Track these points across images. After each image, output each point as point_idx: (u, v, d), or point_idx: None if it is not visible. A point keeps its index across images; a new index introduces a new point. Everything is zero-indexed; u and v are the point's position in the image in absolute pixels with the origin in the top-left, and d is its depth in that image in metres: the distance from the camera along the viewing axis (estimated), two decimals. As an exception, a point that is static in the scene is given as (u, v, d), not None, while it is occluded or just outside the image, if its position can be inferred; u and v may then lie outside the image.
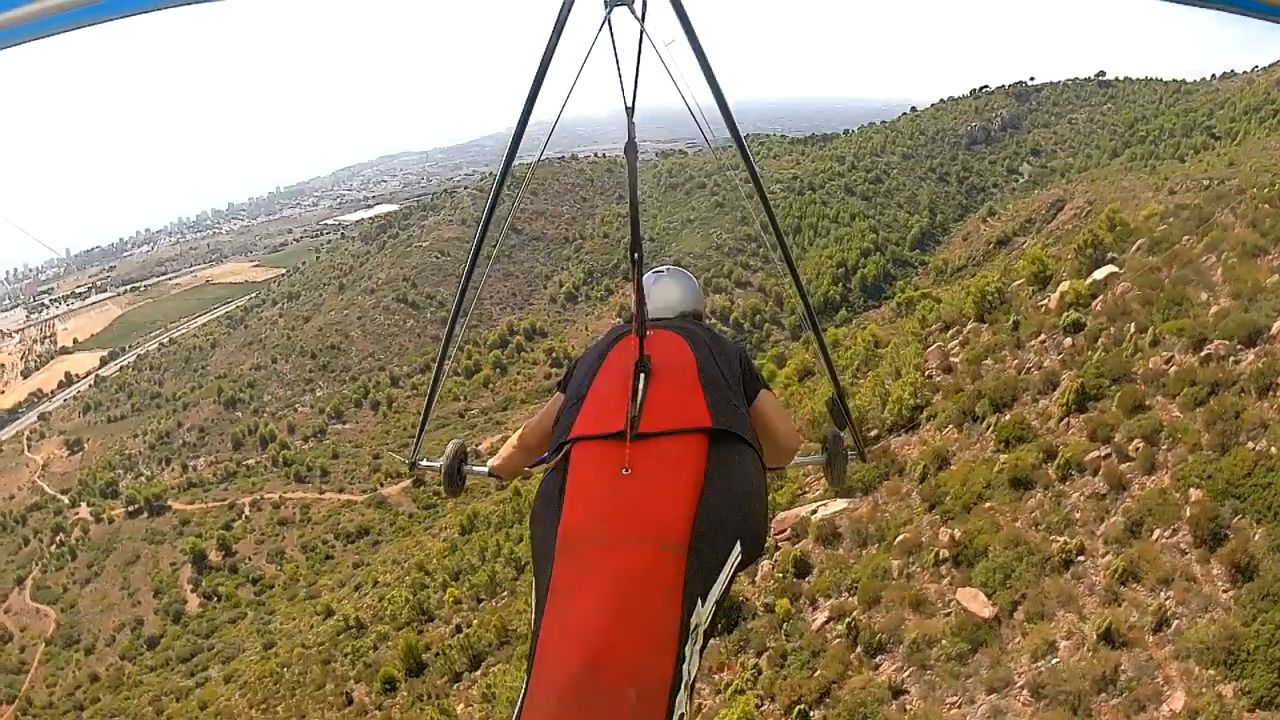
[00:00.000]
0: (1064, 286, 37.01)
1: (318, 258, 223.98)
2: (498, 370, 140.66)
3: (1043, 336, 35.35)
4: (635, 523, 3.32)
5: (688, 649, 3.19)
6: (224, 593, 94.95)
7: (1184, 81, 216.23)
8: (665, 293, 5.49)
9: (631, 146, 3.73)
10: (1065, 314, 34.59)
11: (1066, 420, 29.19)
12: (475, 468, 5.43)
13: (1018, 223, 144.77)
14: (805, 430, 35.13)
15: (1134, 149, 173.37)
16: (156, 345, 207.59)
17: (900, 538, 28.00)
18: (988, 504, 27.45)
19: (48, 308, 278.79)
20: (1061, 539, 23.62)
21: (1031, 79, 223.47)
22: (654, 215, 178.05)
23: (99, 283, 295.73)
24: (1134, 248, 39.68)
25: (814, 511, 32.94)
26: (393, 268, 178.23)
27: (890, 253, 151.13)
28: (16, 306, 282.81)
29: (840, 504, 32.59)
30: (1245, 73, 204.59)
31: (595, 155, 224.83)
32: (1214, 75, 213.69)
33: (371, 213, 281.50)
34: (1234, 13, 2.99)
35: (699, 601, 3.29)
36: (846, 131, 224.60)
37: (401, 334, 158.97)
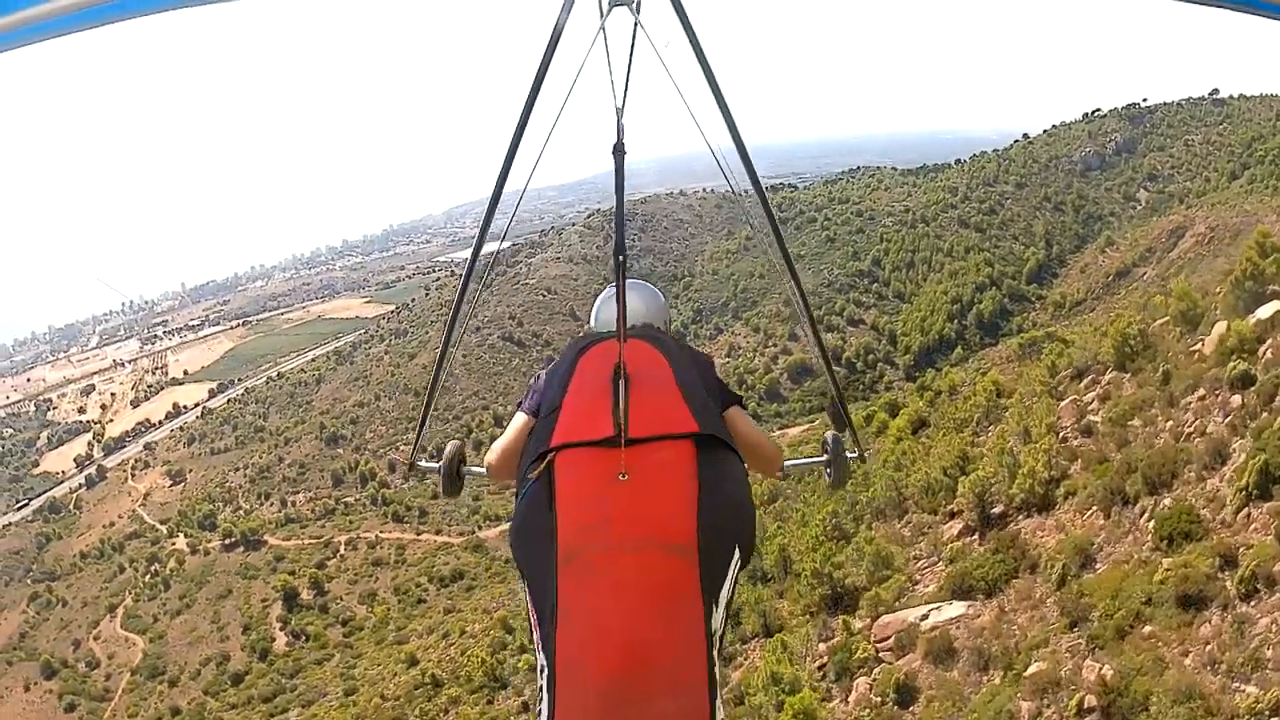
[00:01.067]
0: (1220, 328, 30.89)
1: (426, 294, 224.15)
2: None
3: (1201, 392, 28.63)
4: (641, 527, 3.30)
5: (714, 654, 3.22)
6: (312, 632, 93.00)
7: None
8: (633, 303, 5.13)
9: (619, 149, 3.77)
10: (1230, 365, 27.79)
11: (1246, 511, 21.71)
12: (474, 468, 5.33)
13: (1137, 252, 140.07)
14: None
15: (1254, 170, 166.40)
16: (264, 379, 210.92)
17: (1032, 668, 20.54)
18: (1148, 628, 19.80)
19: (161, 339, 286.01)
20: (1249, 689, 16.18)
21: (1144, 100, 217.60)
22: (765, 250, 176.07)
23: (212, 316, 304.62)
24: None
25: (924, 617, 26.84)
26: (499, 305, 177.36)
27: (1007, 287, 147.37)
28: (131, 337, 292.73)
29: (957, 609, 26.18)
30: None
31: (704, 190, 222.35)
32: None
33: (484, 250, 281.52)
34: (1242, 11, 3.13)
35: (714, 606, 3.29)
36: (958, 161, 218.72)
37: (506, 373, 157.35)
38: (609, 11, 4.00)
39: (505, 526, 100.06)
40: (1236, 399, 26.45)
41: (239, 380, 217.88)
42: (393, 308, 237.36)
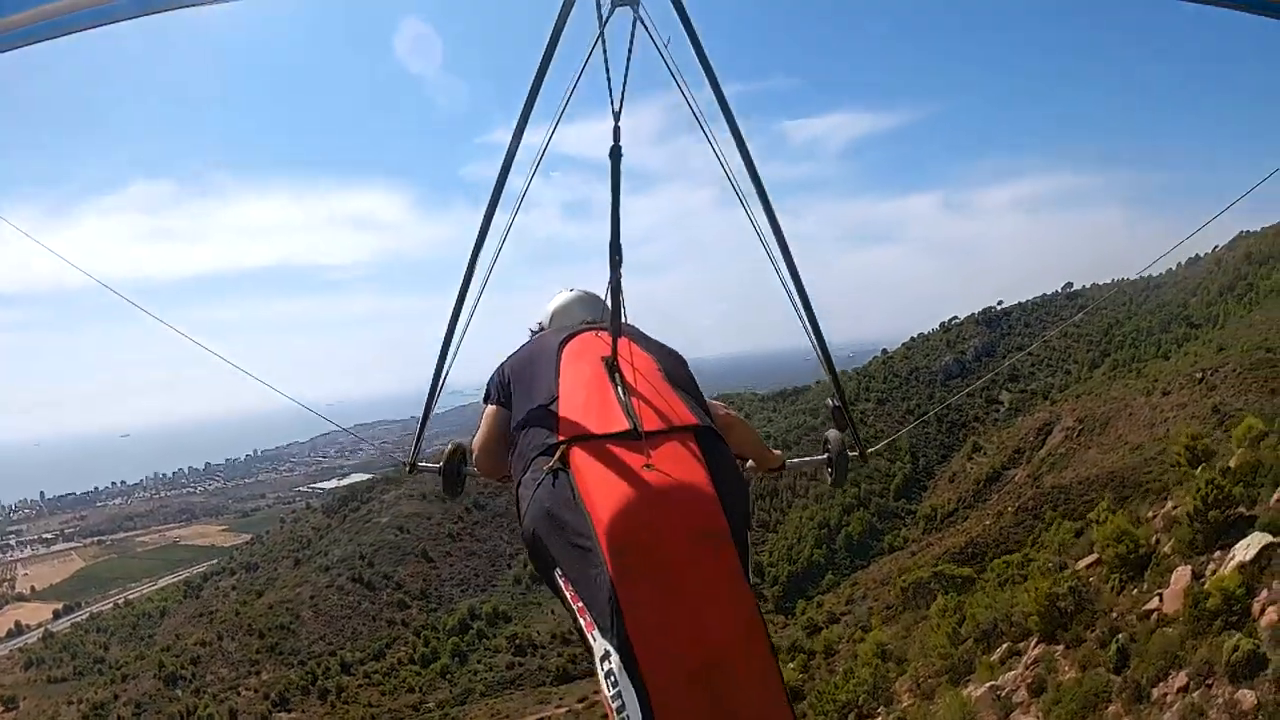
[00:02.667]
0: (1182, 574, 23.90)
1: (281, 527, 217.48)
2: (456, 659, 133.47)
3: (1183, 679, 19.92)
4: (685, 518, 3.49)
5: (767, 628, 3.54)
6: None
7: (1151, 277, 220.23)
8: (596, 303, 5.43)
9: (616, 151, 3.91)
10: (1223, 638, 19.28)
11: None
12: (474, 469, 5.23)
13: (1005, 454, 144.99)
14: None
15: (1114, 356, 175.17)
16: (111, 604, 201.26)
17: None
18: None
19: (13, 549, 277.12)
20: None
21: (1000, 303, 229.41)
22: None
23: (67, 530, 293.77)
24: (1277, 494, 25.57)
25: None
26: (350, 544, 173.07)
27: (875, 505, 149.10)
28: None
29: None
30: (1209, 253, 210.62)
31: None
32: (1179, 264, 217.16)
33: (345, 481, 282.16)
34: (1243, 10, 3.37)
35: (750, 585, 3.59)
36: (818, 382, 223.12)
37: (355, 616, 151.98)
38: (611, 13, 4.04)
39: None
40: (1247, 696, 17.77)
41: (85, 603, 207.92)
42: (248, 538, 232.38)
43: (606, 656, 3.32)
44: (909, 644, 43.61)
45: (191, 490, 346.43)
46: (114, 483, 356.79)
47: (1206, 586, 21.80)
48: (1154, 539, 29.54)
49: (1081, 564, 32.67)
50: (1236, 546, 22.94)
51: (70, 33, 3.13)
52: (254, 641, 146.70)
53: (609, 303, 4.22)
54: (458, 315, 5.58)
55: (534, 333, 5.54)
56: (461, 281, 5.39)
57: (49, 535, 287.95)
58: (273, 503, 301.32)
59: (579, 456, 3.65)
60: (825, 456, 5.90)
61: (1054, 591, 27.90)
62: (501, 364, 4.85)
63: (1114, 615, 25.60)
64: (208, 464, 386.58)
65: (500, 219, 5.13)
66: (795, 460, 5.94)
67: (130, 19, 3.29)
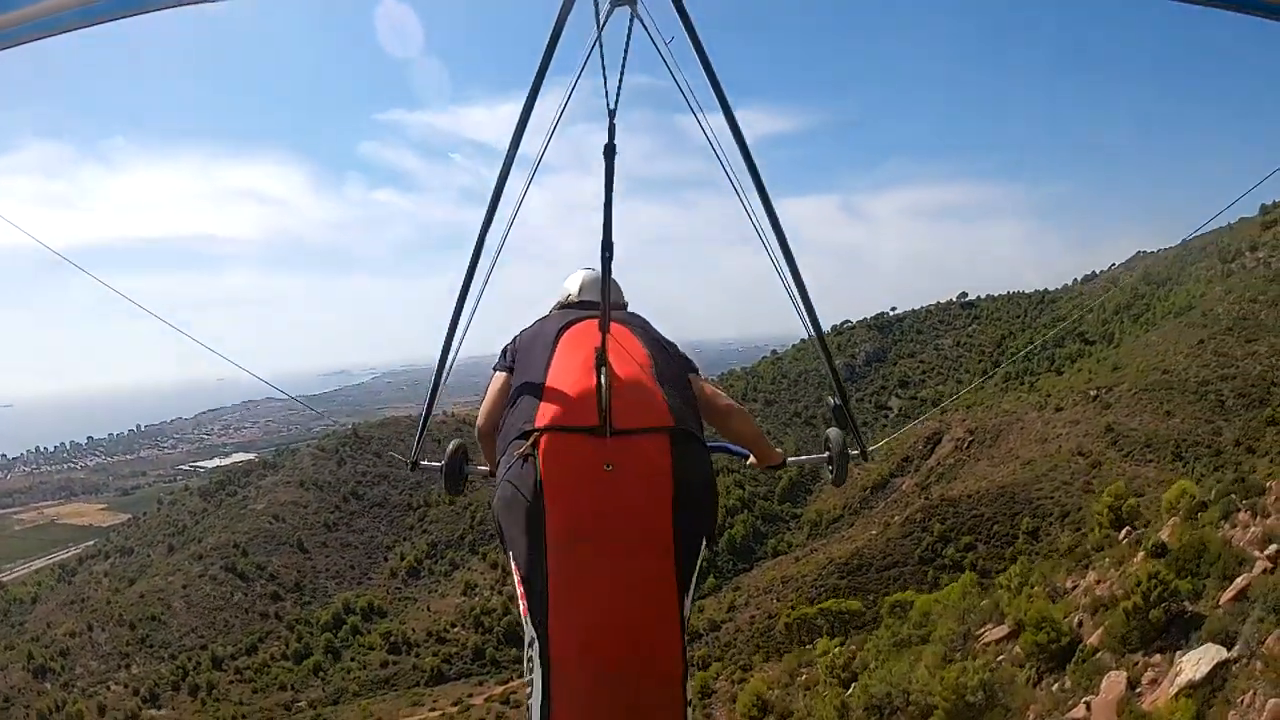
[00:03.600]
0: (1115, 681, 21.45)
1: (158, 509, 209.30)
2: (330, 655, 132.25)
3: None
4: (628, 521, 3.69)
5: (685, 638, 3.76)
6: None
7: (1047, 291, 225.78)
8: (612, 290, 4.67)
9: (610, 149, 3.83)
10: None
11: None
12: (477, 466, 5.48)
13: (893, 462, 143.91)
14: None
15: (1007, 367, 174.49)
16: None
17: None
18: None
19: None
20: None
21: (893, 309, 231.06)
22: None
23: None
24: (1227, 593, 22.29)
25: None
26: (224, 531, 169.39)
27: (759, 508, 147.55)
28: None
29: None
30: (1105, 271, 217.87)
31: (445, 415, 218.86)
32: (1076, 280, 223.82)
33: (228, 461, 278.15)
34: (1236, 11, 3.41)
35: (685, 596, 3.77)
36: (727, 373, 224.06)
37: (227, 608, 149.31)
38: (610, 11, 4.14)
39: None
40: None
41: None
42: (127, 518, 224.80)
43: (532, 643, 3.65)
44: (791, 698, 43.06)
45: (73, 465, 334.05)
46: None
47: (1148, 708, 19.25)
48: (1076, 621, 27.69)
49: (990, 634, 31.35)
50: (1184, 660, 19.88)
51: (64, 31, 3.18)
52: (124, 633, 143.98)
53: (606, 293, 3.93)
54: (458, 316, 5.56)
55: (559, 306, 5.52)
56: (462, 281, 5.39)
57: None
58: (154, 481, 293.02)
59: (547, 445, 3.78)
60: (826, 455, 5.96)
61: (961, 682, 25.04)
62: (516, 334, 4.98)
63: (1031, 718, 23.28)
64: (90, 438, 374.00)
65: (500, 216, 5.15)
66: (795, 458, 6.09)
67: (124, 18, 3.34)
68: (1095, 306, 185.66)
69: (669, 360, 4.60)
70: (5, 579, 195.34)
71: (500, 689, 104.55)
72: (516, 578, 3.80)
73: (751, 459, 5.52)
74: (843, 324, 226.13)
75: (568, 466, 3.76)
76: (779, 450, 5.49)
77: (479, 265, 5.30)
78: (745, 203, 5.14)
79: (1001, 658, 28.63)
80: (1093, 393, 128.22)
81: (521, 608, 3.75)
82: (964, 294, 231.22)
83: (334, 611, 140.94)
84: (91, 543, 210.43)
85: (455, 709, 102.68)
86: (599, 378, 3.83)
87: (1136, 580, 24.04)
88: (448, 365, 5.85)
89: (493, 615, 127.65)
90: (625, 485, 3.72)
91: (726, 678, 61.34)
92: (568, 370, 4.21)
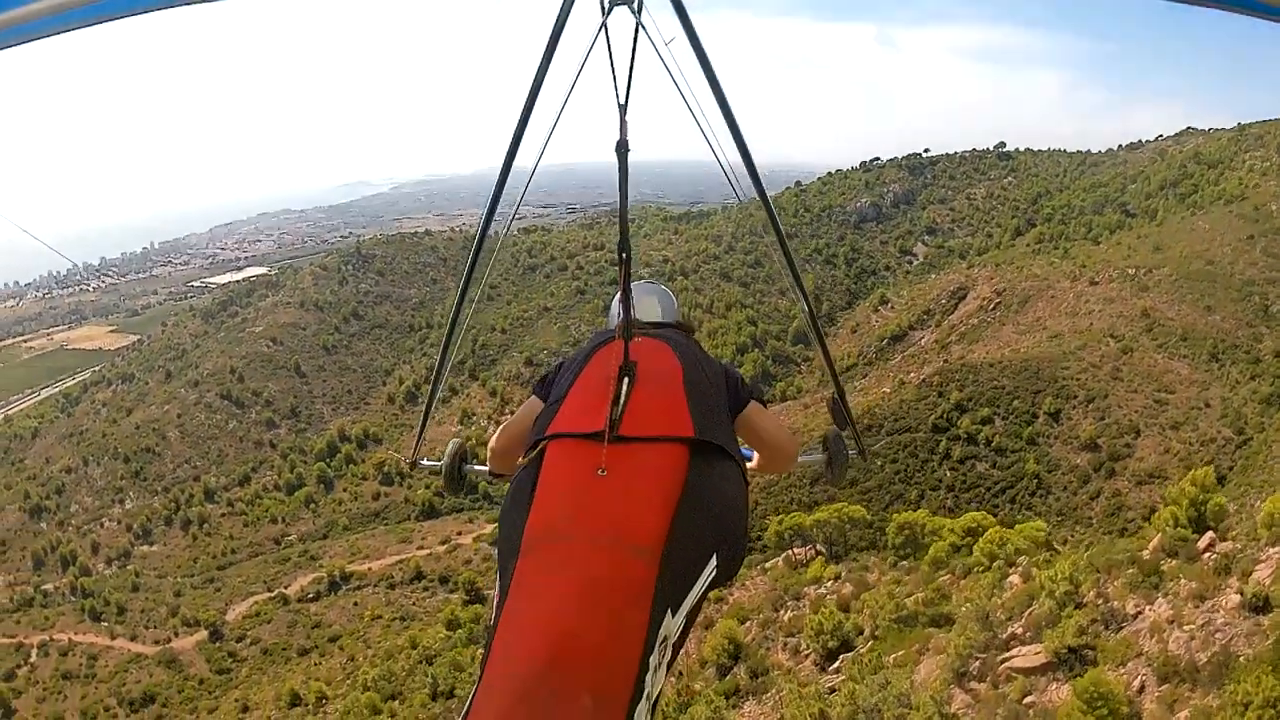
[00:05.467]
0: None
1: (163, 330, 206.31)
2: (322, 486, 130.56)
3: None
4: (605, 523, 3.33)
5: (653, 659, 3.19)
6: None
7: (1089, 152, 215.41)
8: (649, 302, 5.33)
9: (622, 145, 3.77)
10: None
11: None
12: (476, 467, 5.38)
13: (914, 314, 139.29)
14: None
15: (1040, 228, 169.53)
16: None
17: None
18: None
19: None
20: None
21: (926, 150, 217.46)
22: (508, 301, 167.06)
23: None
24: None
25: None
26: (221, 356, 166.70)
27: (770, 348, 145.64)
28: None
29: None
30: (1152, 142, 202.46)
31: (451, 230, 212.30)
32: (1120, 146, 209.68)
33: (241, 275, 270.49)
34: (1235, 12, 2.94)
35: (669, 612, 3.31)
36: (725, 208, 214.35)
37: (222, 437, 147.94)
38: (610, 10, 3.97)
39: (203, 635, 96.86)
40: None
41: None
42: (135, 339, 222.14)
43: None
44: (769, 648, 37.32)
45: (85, 288, 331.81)
46: (5, 283, 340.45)
47: None
48: (1137, 684, 19.65)
49: (1019, 658, 23.69)
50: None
51: (67, 30, 2.86)
52: (119, 466, 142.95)
53: (622, 300, 3.89)
54: (458, 314, 5.34)
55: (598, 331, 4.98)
56: (462, 280, 5.03)
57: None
58: (164, 299, 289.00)
59: (551, 453, 3.62)
60: (825, 455, 5.47)
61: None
62: (562, 360, 4.66)
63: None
64: (103, 258, 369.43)
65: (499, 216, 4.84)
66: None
67: (127, 16, 2.99)
68: (1140, 177, 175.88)
69: (711, 378, 4.22)
70: (11, 411, 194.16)
71: (490, 527, 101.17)
72: (495, 588, 3.46)
73: (753, 463, 4.86)
74: (872, 160, 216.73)
75: (562, 470, 3.50)
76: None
77: (478, 267, 5.06)
78: (745, 204, 4.87)
79: (1031, 700, 21.54)
80: (1131, 271, 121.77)
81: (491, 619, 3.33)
82: (1001, 143, 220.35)
83: (329, 439, 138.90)
84: (96, 368, 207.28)
85: (443, 548, 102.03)
86: (619, 385, 3.68)
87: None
88: (447, 366, 5.71)
89: (488, 447, 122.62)
90: (613, 489, 3.36)
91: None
92: (590, 382, 4.01)
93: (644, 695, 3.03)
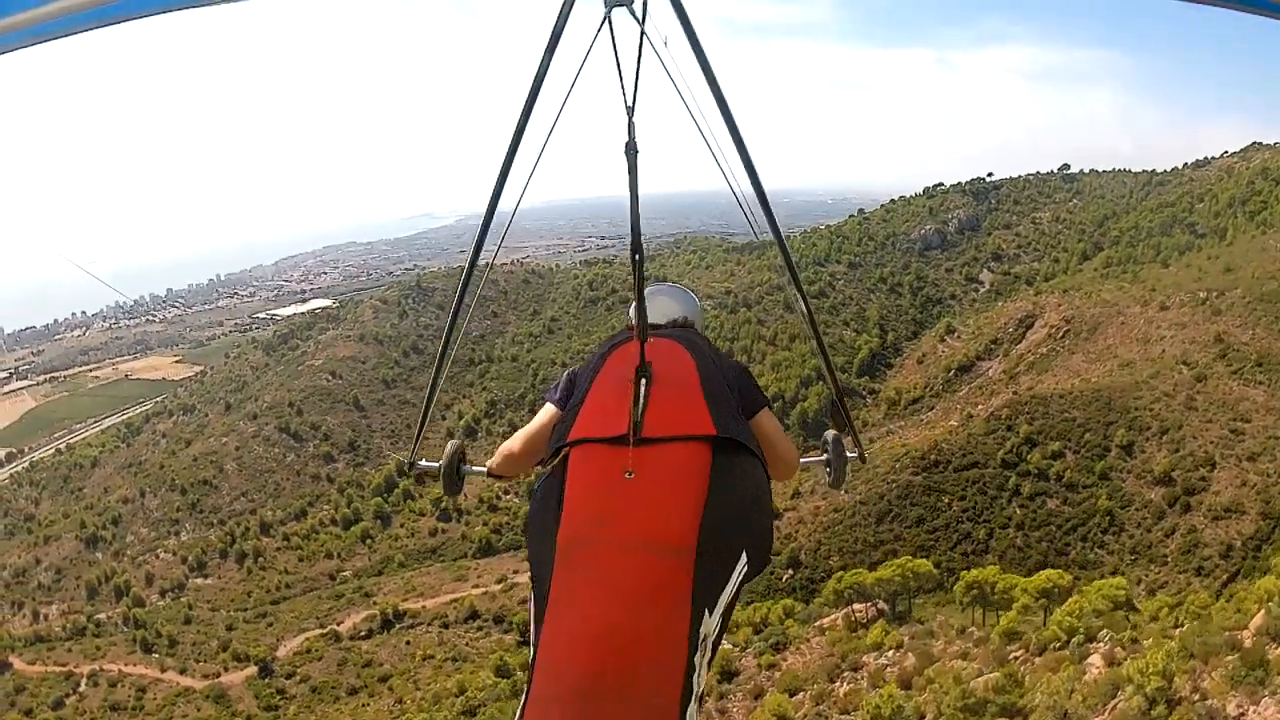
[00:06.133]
0: None
1: (225, 362, 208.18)
2: (379, 521, 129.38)
3: None
4: (640, 528, 3.37)
5: (697, 659, 3.28)
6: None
7: (1155, 172, 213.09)
8: (663, 301, 5.43)
9: (631, 147, 3.75)
10: None
11: None
12: (474, 468, 5.33)
13: (981, 343, 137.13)
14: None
15: (1108, 251, 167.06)
16: (54, 450, 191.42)
17: None
18: None
19: None
20: None
21: (990, 175, 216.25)
22: (568, 335, 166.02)
23: (21, 368, 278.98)
24: None
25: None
26: (280, 389, 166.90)
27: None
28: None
29: None
30: (1217, 159, 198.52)
31: (512, 263, 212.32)
32: (1186, 164, 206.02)
33: (305, 307, 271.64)
34: (1245, 11, 3.21)
35: (707, 612, 3.35)
36: (788, 237, 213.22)
37: (279, 470, 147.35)
38: (609, 11, 4.07)
39: (252, 671, 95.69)
40: None
41: (29, 449, 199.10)
42: (199, 370, 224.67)
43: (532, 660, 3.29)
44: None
45: (151, 319, 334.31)
46: (73, 313, 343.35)
47: None
48: None
49: None
50: None
51: (73, 33, 3.07)
52: (176, 498, 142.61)
53: (636, 302, 3.79)
54: (457, 316, 5.39)
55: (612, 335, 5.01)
56: (461, 281, 5.21)
57: (3, 373, 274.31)
58: (229, 331, 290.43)
59: (574, 458, 3.61)
60: (824, 457, 5.58)
61: None
62: (574, 368, 4.65)
63: None
64: (169, 289, 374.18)
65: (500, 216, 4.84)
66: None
67: (134, 19, 3.22)
68: (1207, 195, 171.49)
69: (726, 377, 4.21)
70: (74, 439, 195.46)
71: None
72: (531, 597, 3.48)
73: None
74: (935, 186, 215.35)
75: (589, 475, 3.51)
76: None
77: (476, 267, 5.26)
78: (745, 205, 5.00)
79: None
80: (1202, 294, 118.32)
81: (531, 631, 3.40)
82: (1065, 165, 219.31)
83: (386, 474, 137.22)
84: (160, 399, 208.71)
85: (498, 586, 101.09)
86: (636, 387, 3.64)
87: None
88: (447, 366, 5.77)
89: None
90: (642, 491, 3.39)
91: (754, 654, 48.65)
92: (607, 385, 3.99)
93: (693, 695, 3.11)
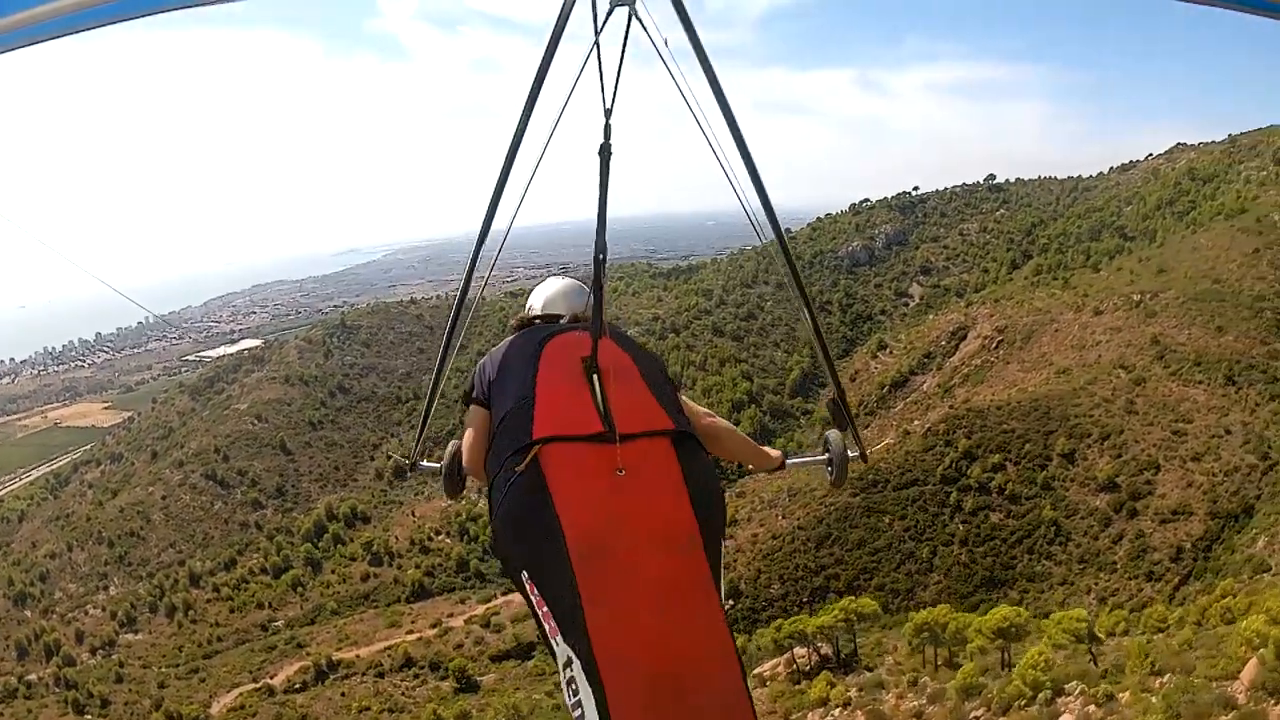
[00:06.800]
0: None
1: (152, 408, 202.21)
2: (309, 568, 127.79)
3: None
4: (653, 524, 3.51)
5: (737, 643, 3.51)
6: None
7: (1081, 178, 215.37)
8: (579, 296, 5.38)
9: (605, 150, 3.96)
10: None
11: None
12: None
13: (914, 357, 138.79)
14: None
15: (1037, 259, 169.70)
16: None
17: None
18: None
19: None
20: None
21: (915, 189, 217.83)
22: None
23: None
24: None
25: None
26: (206, 435, 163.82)
27: (768, 402, 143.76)
28: None
29: None
30: (1143, 161, 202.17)
31: (437, 297, 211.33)
32: (1112, 168, 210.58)
33: (235, 348, 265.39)
34: (1241, 11, 3.35)
35: (720, 595, 3.60)
36: (715, 260, 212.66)
37: (207, 519, 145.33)
38: (610, 11, 4.12)
39: None
40: None
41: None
42: (129, 415, 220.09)
43: (569, 663, 3.32)
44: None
45: (80, 364, 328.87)
46: (3, 360, 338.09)
47: None
48: None
49: None
50: None
51: (73, 33, 3.15)
52: (104, 551, 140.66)
53: (594, 301, 4.03)
54: (457, 315, 5.61)
55: (519, 324, 5.21)
56: (463, 280, 5.45)
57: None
58: (158, 375, 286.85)
59: (550, 457, 3.64)
60: (825, 456, 5.72)
61: None
62: (483, 361, 4.67)
63: None
64: (98, 334, 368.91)
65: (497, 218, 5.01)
66: (794, 460, 5.72)
67: (133, 18, 3.32)
68: (1135, 198, 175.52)
69: (655, 369, 4.33)
70: (2, 492, 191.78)
71: (482, 608, 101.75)
72: (536, 598, 3.51)
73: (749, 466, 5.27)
74: (861, 202, 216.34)
75: (576, 475, 3.57)
76: (776, 454, 5.24)
77: (477, 267, 5.37)
78: (746, 205, 4.92)
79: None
80: (1136, 297, 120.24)
81: (549, 628, 3.42)
82: (991, 176, 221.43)
83: (315, 519, 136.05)
84: (88, 447, 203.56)
85: (433, 631, 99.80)
86: (593, 385, 3.78)
87: None
88: (447, 367, 5.98)
89: (479, 522, 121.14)
90: (641, 488, 3.55)
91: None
92: (557, 381, 4.02)
93: (746, 672, 3.39)
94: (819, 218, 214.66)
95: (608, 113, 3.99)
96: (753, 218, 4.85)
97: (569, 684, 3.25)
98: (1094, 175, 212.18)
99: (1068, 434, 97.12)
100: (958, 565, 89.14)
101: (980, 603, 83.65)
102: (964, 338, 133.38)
